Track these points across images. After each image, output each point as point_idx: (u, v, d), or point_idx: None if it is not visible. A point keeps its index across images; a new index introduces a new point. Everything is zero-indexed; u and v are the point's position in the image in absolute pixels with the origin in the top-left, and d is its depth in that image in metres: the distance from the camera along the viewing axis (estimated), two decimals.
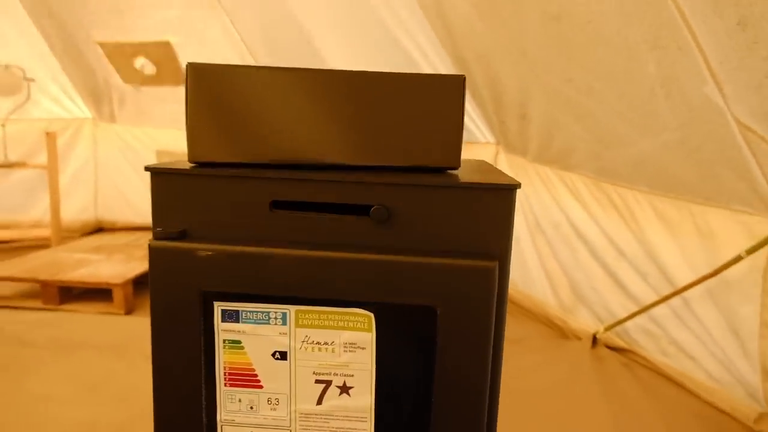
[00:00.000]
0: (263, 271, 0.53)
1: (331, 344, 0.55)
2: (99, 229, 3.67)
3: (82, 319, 2.30)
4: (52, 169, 3.13)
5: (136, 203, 3.57)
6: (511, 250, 0.53)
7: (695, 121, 1.40)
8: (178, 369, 0.56)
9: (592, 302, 2.14)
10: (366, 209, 0.54)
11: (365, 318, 0.54)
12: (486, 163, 0.78)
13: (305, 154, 0.57)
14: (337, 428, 0.56)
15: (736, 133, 1.33)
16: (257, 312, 0.55)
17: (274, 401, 0.56)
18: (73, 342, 2.10)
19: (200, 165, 0.56)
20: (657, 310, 1.84)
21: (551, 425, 1.61)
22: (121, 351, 2.02)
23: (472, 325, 0.52)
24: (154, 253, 0.54)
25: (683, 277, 1.72)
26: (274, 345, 0.55)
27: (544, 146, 2.11)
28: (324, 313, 0.54)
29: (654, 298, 1.85)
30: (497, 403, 0.53)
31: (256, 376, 0.56)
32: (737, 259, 1.47)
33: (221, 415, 0.57)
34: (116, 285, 2.32)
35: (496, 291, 0.51)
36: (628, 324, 1.97)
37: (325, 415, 0.56)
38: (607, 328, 2.05)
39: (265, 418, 0.57)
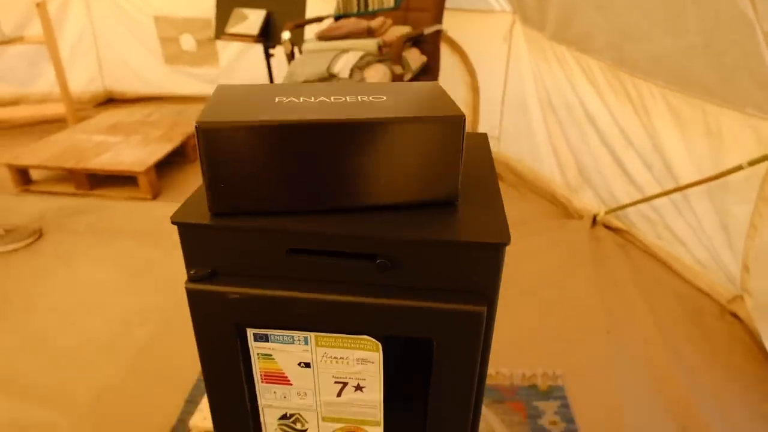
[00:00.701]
0: (284, 311, 0.62)
1: (345, 358, 0.66)
2: (109, 99, 3.66)
3: (114, 205, 2.47)
4: (50, 42, 3.03)
5: (142, 73, 3.51)
6: (498, 292, 0.61)
7: (721, 29, 1.32)
8: (223, 372, 0.69)
9: (597, 185, 2.21)
10: (372, 255, 0.61)
11: (373, 343, 0.64)
12: (486, 155, 0.80)
13: (317, 201, 0.62)
14: (354, 413, 0.70)
15: (763, 46, 1.26)
16: (283, 336, 0.66)
17: (302, 393, 0.70)
18: (111, 229, 2.29)
19: (222, 214, 0.62)
20: (657, 200, 1.92)
21: (543, 304, 1.82)
22: (156, 238, 2.21)
23: (462, 354, 0.62)
24: (191, 294, 0.63)
25: (686, 173, 1.77)
26: (299, 358, 0.67)
27: (562, 28, 1.99)
28: (339, 338, 0.65)
29: (656, 188, 1.91)
30: (480, 407, 0.66)
31: (286, 377, 0.69)
32: (738, 168, 1.50)
33: (261, 402, 0.71)
34: (140, 173, 2.43)
35: (483, 330, 0.60)
36: (628, 208, 2.07)
37: (344, 404, 0.70)
38: (608, 212, 2.15)
39: (296, 404, 0.71)
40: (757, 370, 1.52)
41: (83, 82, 3.49)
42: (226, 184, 0.60)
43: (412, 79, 2.27)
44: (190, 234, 0.62)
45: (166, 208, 2.46)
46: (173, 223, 0.61)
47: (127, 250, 2.14)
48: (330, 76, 2.05)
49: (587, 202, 2.28)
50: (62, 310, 1.79)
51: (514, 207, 2.46)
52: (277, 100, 0.64)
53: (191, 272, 0.63)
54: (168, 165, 2.76)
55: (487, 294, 0.60)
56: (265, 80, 2.94)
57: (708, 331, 1.69)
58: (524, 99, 2.47)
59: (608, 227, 2.19)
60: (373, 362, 0.66)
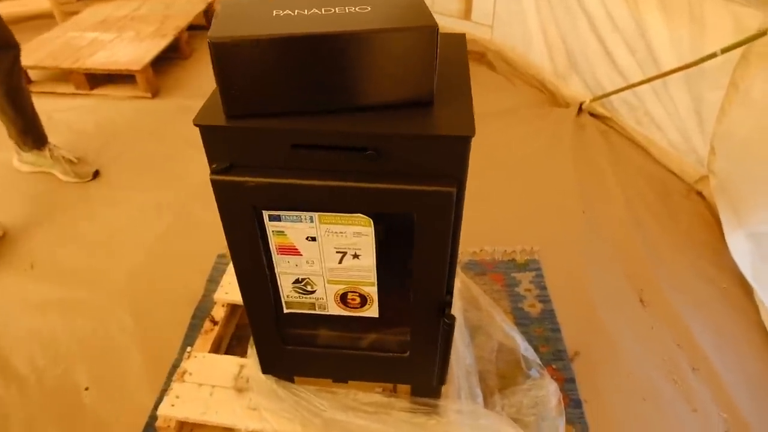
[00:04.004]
0: (291, 195, 0.77)
1: (344, 233, 0.82)
2: None
3: (116, 105, 2.53)
4: None
5: None
6: (467, 174, 0.75)
7: None
8: (247, 247, 0.85)
9: (584, 72, 2.27)
10: (362, 147, 0.74)
11: (366, 219, 0.80)
12: (462, 55, 0.89)
13: (315, 102, 0.73)
14: (352, 276, 0.88)
15: None
16: (292, 216, 0.81)
17: (310, 262, 0.87)
18: (118, 128, 2.38)
19: (235, 116, 0.74)
20: (639, 87, 2.00)
21: (525, 188, 1.97)
22: (161, 135, 2.31)
23: (438, 226, 0.77)
24: (215, 184, 0.77)
25: (667, 59, 1.83)
26: (306, 233, 0.83)
27: None
28: (338, 216, 0.80)
29: (639, 74, 1.98)
30: (455, 269, 0.83)
31: (296, 249, 0.85)
32: (712, 55, 1.57)
33: (278, 270, 0.88)
34: (137, 71, 2.46)
35: (454, 205, 0.75)
36: (612, 96, 2.15)
37: (345, 269, 0.87)
38: (593, 100, 2.23)
39: (306, 270, 0.88)
40: (710, 240, 1.71)
41: None
42: (237, 90, 0.71)
43: None
44: (209, 134, 0.75)
45: (168, 105, 2.53)
46: (195, 125, 0.73)
47: (137, 148, 2.25)
48: None
49: (575, 90, 2.35)
50: (87, 207, 1.95)
51: (504, 96, 2.53)
52: (274, 13, 0.73)
53: (213, 166, 0.77)
54: (164, 61, 2.77)
55: (457, 177, 0.74)
56: None
57: (674, 208, 1.86)
58: None
59: (593, 114, 2.29)
60: (366, 235, 0.82)
